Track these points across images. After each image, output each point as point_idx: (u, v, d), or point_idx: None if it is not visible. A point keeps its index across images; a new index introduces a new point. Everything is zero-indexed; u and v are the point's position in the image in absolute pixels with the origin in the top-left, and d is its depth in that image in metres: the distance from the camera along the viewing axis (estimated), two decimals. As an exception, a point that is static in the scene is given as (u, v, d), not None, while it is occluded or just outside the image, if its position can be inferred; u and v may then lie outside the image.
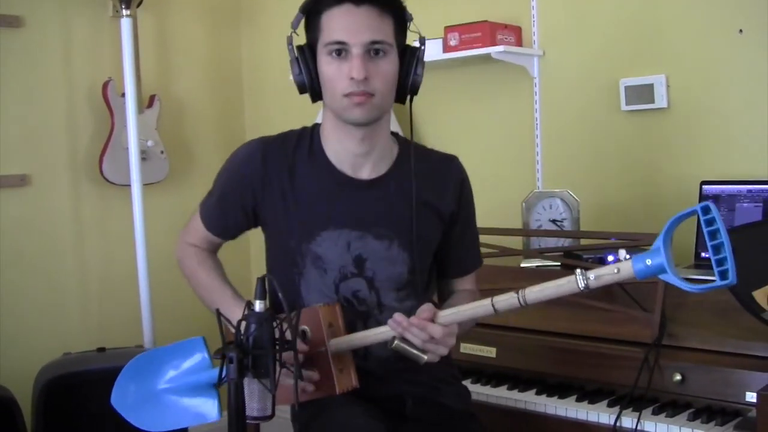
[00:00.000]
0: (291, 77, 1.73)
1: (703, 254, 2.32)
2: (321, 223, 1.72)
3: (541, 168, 2.91)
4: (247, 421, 1.40)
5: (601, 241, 2.37)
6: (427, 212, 1.75)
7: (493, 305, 1.51)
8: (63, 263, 3.34)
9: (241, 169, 1.78)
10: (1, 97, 3.17)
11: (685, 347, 1.99)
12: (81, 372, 2.77)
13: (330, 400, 1.62)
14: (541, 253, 2.44)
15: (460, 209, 1.81)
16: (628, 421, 1.88)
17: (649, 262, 1.36)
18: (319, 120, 1.78)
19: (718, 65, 2.50)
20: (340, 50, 1.61)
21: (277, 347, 1.39)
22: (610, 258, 2.23)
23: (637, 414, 1.87)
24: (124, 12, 3.15)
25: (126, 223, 3.27)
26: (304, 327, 1.62)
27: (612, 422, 1.90)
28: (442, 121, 3.15)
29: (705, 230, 1.32)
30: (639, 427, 1.86)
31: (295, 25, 1.68)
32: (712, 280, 1.33)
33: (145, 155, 3.32)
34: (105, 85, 3.33)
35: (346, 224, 1.71)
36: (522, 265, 2.48)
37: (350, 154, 1.73)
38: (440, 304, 1.80)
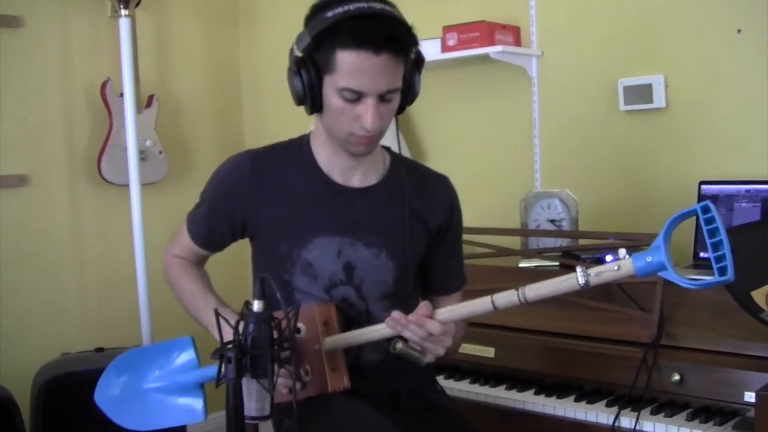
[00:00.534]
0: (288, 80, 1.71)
1: (701, 254, 2.32)
2: (313, 229, 1.72)
3: (540, 168, 2.91)
4: (246, 421, 1.40)
5: (599, 241, 2.37)
6: (415, 222, 1.76)
7: (492, 302, 1.51)
8: (61, 263, 3.34)
9: (228, 181, 1.77)
10: (0, 97, 3.16)
11: (683, 347, 1.99)
12: (79, 372, 2.77)
13: (327, 400, 1.61)
14: (539, 253, 2.44)
15: (449, 226, 1.82)
16: (626, 421, 1.88)
17: (649, 259, 1.37)
18: (314, 122, 1.78)
19: (717, 65, 2.50)
20: (353, 97, 1.59)
21: (276, 347, 1.39)
22: (609, 258, 2.23)
23: (636, 414, 1.88)
24: (123, 12, 3.15)
25: (124, 223, 3.27)
26: (299, 324, 1.62)
27: (610, 422, 1.90)
28: (440, 122, 3.14)
29: (704, 229, 1.34)
30: (637, 427, 1.86)
31: (302, 49, 1.62)
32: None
33: (143, 155, 3.32)
34: (103, 85, 3.33)
35: (337, 231, 1.72)
36: (520, 265, 2.48)
37: (342, 163, 1.74)
38: None
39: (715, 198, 2.34)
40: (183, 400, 1.51)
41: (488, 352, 2.22)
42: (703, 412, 1.84)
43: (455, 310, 1.57)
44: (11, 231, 3.19)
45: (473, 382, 2.18)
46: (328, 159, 1.74)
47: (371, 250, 1.73)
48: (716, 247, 1.33)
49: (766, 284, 1.83)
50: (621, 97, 2.66)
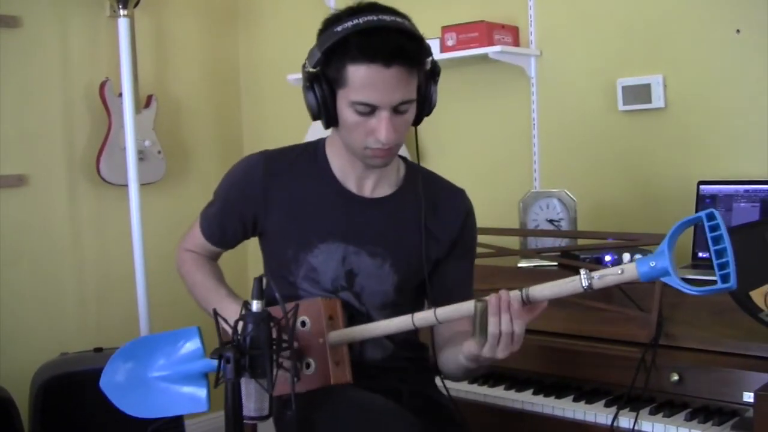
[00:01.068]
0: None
1: (700, 254, 2.32)
2: (320, 235, 1.72)
3: (538, 168, 2.91)
4: (244, 421, 1.40)
5: (598, 241, 2.37)
6: (424, 236, 1.75)
7: None
8: (60, 263, 3.34)
9: (241, 183, 1.78)
10: None
11: (682, 347, 1.99)
12: (78, 372, 2.78)
13: (330, 389, 1.61)
14: (538, 253, 2.44)
15: (459, 239, 1.80)
16: (625, 421, 1.88)
17: (653, 264, 1.38)
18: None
19: (716, 65, 2.50)
20: (367, 111, 1.58)
21: (275, 347, 1.39)
22: (608, 258, 2.23)
23: (635, 414, 1.87)
24: (122, 12, 3.15)
25: (123, 223, 3.27)
26: (304, 317, 1.62)
27: (609, 422, 1.89)
28: (439, 122, 3.13)
29: (709, 235, 1.35)
30: (636, 427, 1.86)
31: (313, 64, 1.61)
32: (711, 280, 1.35)
33: (142, 155, 3.32)
34: (102, 85, 3.33)
35: (343, 238, 1.72)
36: (519, 265, 2.48)
37: (355, 172, 1.74)
38: (435, 340, 1.79)
39: (713, 198, 2.34)
40: (187, 389, 1.51)
41: (487, 352, 2.21)
42: (701, 412, 1.84)
43: (459, 308, 1.56)
44: (10, 231, 3.19)
45: (472, 381, 2.17)
46: (342, 167, 1.74)
47: (375, 260, 1.73)
48: (720, 254, 1.34)
49: (764, 284, 1.83)
50: (620, 97, 2.66)
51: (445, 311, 1.55)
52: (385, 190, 1.77)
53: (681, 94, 2.57)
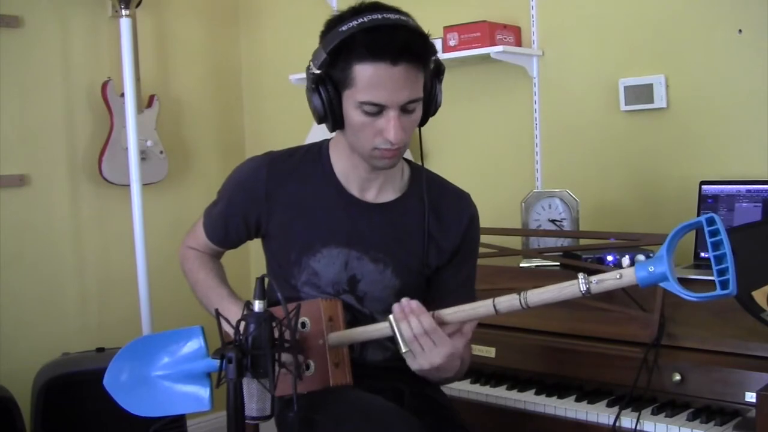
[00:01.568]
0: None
1: (702, 254, 2.32)
2: (323, 239, 1.72)
3: (541, 168, 2.91)
4: (246, 421, 1.40)
5: (600, 241, 2.37)
6: (427, 242, 1.75)
7: (494, 306, 1.51)
8: (62, 263, 3.34)
9: (245, 185, 1.77)
10: (0, 97, 3.17)
11: (684, 347, 1.99)
12: (80, 372, 2.78)
13: (331, 390, 1.61)
14: (540, 253, 2.44)
15: (462, 243, 1.80)
16: (627, 421, 1.88)
17: (651, 269, 1.38)
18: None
19: (718, 65, 2.50)
20: (374, 111, 1.57)
21: (276, 347, 1.39)
22: (609, 258, 2.23)
23: (636, 414, 1.87)
24: (123, 12, 3.15)
25: (125, 223, 3.27)
26: (304, 318, 1.62)
27: (611, 422, 1.89)
28: (441, 122, 3.13)
29: (708, 240, 1.34)
30: (638, 427, 1.86)
31: (318, 66, 1.59)
32: (712, 281, 1.35)
33: (144, 155, 3.32)
34: (104, 85, 3.33)
35: (346, 243, 1.72)
36: (521, 265, 2.48)
37: (359, 176, 1.73)
38: None
39: (715, 198, 2.34)
40: (190, 389, 1.51)
41: (489, 352, 2.22)
42: (703, 413, 1.84)
43: (458, 311, 1.56)
44: (11, 231, 3.19)
45: (474, 381, 2.18)
46: (345, 170, 1.74)
47: (377, 266, 1.73)
48: (719, 260, 1.33)
49: (766, 284, 1.82)
50: (622, 97, 2.66)
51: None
52: (389, 195, 1.76)
53: (683, 95, 2.57)
